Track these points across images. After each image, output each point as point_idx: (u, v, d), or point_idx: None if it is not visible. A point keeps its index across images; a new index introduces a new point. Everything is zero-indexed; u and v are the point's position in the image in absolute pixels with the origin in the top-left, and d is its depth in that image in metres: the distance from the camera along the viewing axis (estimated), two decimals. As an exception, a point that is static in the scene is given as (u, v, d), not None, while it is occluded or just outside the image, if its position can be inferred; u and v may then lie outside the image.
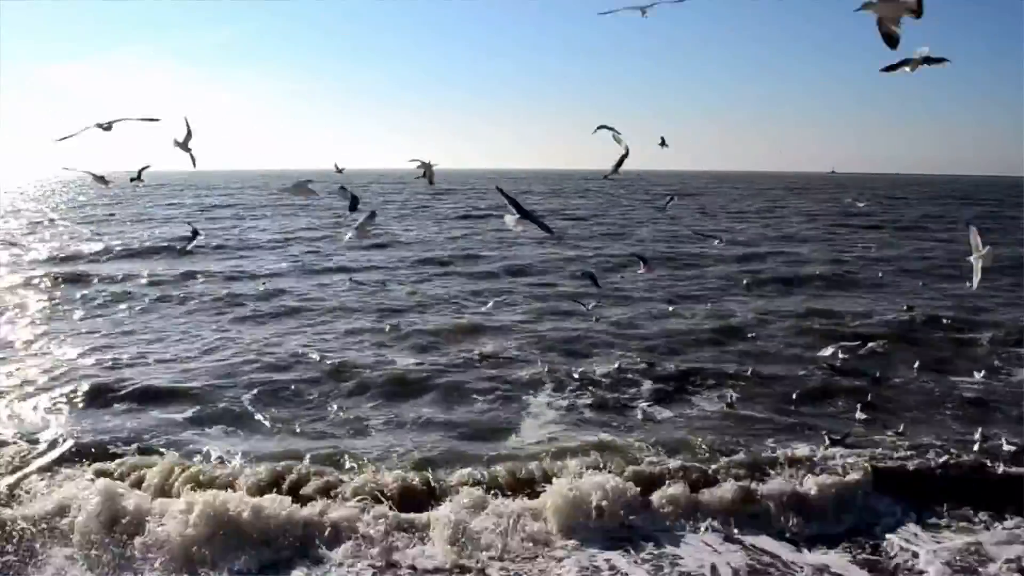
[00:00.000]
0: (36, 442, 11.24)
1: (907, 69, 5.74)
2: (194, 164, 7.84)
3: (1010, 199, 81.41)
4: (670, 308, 20.53)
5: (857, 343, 16.36)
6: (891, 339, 17.21)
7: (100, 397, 13.05)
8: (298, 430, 11.95)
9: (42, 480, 9.96)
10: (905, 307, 20.36)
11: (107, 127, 7.19)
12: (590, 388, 13.86)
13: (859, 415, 12.52)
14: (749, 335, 17.86)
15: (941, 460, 10.67)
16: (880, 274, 26.72)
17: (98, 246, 33.67)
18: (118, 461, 10.43)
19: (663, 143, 11.01)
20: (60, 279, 24.91)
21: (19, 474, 10.14)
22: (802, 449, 11.11)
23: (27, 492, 9.63)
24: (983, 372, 14.69)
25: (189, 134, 7.48)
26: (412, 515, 9.08)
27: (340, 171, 12.77)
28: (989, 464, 10.50)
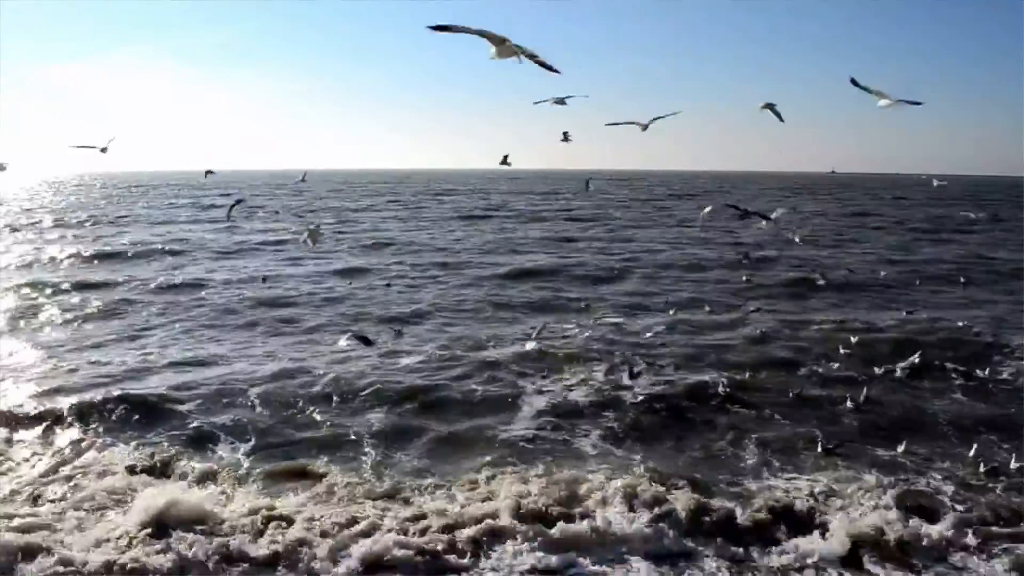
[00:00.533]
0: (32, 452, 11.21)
1: (882, 103, 6.55)
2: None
3: (1010, 200, 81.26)
4: (671, 312, 20.45)
5: (857, 349, 16.24)
6: (891, 344, 17.05)
7: (94, 410, 12.64)
8: (299, 439, 11.85)
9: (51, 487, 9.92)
10: (904, 312, 20.28)
11: (103, 150, 9.60)
12: (590, 394, 13.73)
13: (857, 423, 12.41)
14: (749, 340, 17.79)
15: (941, 476, 10.53)
16: (883, 273, 26.84)
17: (93, 249, 33.44)
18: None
19: (565, 138, 11.31)
20: (55, 284, 24.50)
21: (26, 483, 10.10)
22: (797, 457, 11.05)
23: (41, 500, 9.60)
24: (984, 376, 14.62)
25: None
26: (419, 523, 9.02)
27: (210, 173, 13.45)
28: (991, 483, 10.27)
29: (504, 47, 5.14)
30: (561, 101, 8.06)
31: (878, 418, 12.62)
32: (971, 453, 10.91)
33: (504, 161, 13.12)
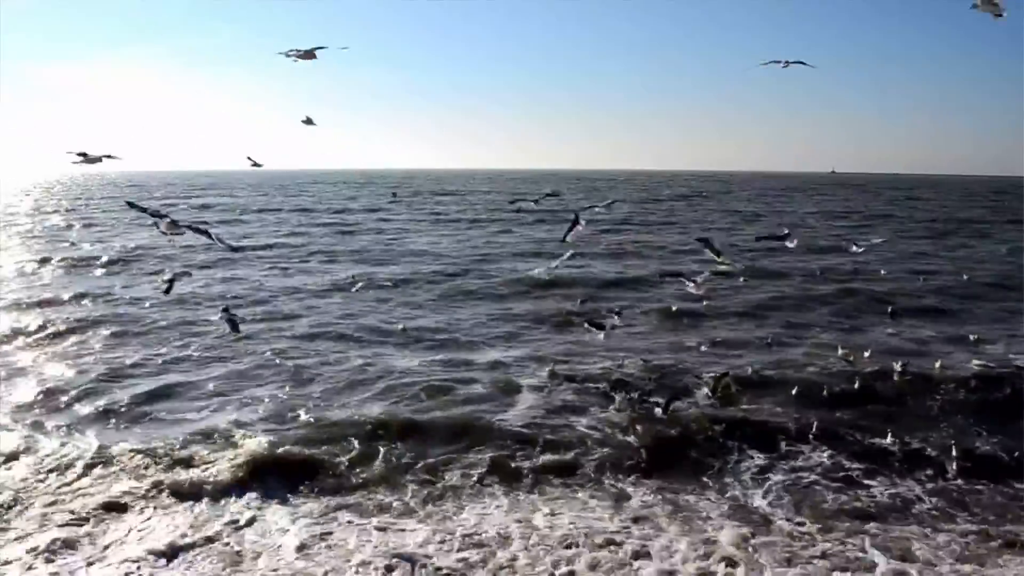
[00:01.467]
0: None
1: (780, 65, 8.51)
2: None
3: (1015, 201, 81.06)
4: (672, 309, 20.33)
5: (845, 352, 16.03)
6: (890, 349, 16.83)
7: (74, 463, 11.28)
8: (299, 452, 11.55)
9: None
10: (889, 310, 20.25)
11: None
12: (590, 402, 13.50)
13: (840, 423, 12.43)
14: (747, 344, 17.65)
15: (926, 476, 10.69)
16: (883, 271, 26.61)
17: (86, 254, 32.79)
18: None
19: (308, 122, 11.40)
20: (45, 294, 23.51)
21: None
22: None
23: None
24: (978, 379, 14.52)
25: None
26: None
27: None
28: (977, 483, 10.41)
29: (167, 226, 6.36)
30: (787, 64, 8.99)
31: (868, 422, 12.51)
32: (955, 451, 11.08)
33: (254, 163, 12.44)
